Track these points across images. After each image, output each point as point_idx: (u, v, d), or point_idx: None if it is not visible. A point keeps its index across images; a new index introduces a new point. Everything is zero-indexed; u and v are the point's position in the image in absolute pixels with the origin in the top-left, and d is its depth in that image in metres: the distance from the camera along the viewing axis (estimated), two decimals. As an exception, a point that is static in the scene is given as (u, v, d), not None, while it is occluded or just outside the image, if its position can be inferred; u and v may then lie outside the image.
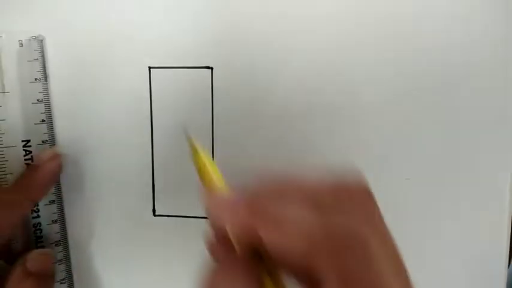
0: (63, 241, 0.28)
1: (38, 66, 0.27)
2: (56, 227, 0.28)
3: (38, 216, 0.27)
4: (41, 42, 0.27)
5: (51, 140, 0.27)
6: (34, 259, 0.26)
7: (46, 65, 0.27)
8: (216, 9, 0.26)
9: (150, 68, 0.27)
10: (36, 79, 0.27)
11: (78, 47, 0.27)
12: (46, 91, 0.27)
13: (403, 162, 0.26)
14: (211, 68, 0.27)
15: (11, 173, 0.27)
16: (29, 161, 0.27)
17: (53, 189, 0.28)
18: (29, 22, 0.27)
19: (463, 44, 0.25)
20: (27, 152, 0.27)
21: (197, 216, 0.28)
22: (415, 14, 0.25)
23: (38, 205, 0.27)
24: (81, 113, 0.28)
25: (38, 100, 0.27)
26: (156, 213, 0.28)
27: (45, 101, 0.27)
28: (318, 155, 0.27)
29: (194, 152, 0.23)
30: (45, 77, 0.27)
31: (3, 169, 0.26)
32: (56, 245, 0.28)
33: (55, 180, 0.27)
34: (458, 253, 0.27)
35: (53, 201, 0.28)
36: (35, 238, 0.27)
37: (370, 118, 0.26)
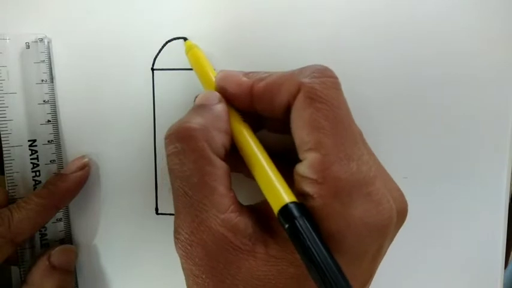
0: (68, 239, 0.29)
1: (44, 67, 0.28)
2: (61, 225, 0.28)
3: (43, 215, 0.28)
4: (47, 44, 0.28)
5: (57, 140, 0.28)
6: (58, 254, 0.27)
7: (52, 67, 0.28)
8: (217, 11, 0.27)
9: (153, 69, 0.27)
10: (42, 80, 0.28)
11: (83, 49, 0.28)
12: (52, 92, 0.28)
13: (400, 161, 0.26)
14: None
15: (17, 172, 0.27)
16: (35, 160, 0.27)
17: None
18: (36, 24, 0.28)
19: (463, 44, 0.25)
20: (33, 152, 0.27)
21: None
22: (416, 14, 0.25)
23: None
24: (86, 114, 0.28)
25: (44, 101, 0.28)
26: (159, 212, 0.28)
27: (51, 102, 0.28)
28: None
29: (189, 50, 0.25)
30: (51, 78, 0.28)
31: (9, 168, 0.27)
32: (60, 243, 0.28)
33: (80, 189, 0.28)
34: (455, 253, 0.27)
35: (57, 200, 0.28)
36: (39, 236, 0.28)
37: (368, 117, 0.26)
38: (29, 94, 0.27)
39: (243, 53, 0.27)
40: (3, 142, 0.27)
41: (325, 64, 0.26)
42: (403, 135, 0.26)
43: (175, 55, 0.27)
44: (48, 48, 0.28)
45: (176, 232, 0.19)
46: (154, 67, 0.27)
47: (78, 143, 0.28)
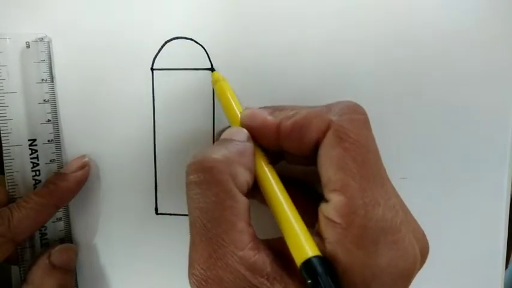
0: (68, 238, 0.29)
1: (44, 67, 0.28)
2: (60, 224, 0.28)
3: (43, 214, 0.28)
4: (47, 43, 0.28)
5: (57, 140, 0.28)
6: (58, 253, 0.27)
7: (52, 66, 0.28)
8: (217, 11, 0.26)
9: (152, 69, 0.27)
10: (42, 80, 0.28)
11: (83, 48, 0.28)
12: (52, 92, 0.28)
13: (399, 162, 0.26)
14: (213, 70, 0.27)
15: (17, 171, 0.27)
16: (35, 160, 0.27)
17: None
18: (35, 24, 0.28)
19: (463, 44, 0.25)
20: (33, 151, 0.27)
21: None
22: (416, 15, 0.25)
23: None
24: (86, 113, 0.28)
25: (44, 100, 0.28)
26: (159, 212, 0.28)
27: (51, 102, 0.28)
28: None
29: (216, 82, 0.26)
30: (52, 78, 0.28)
31: (9, 167, 0.27)
32: (60, 243, 0.28)
33: (80, 189, 0.28)
34: (455, 254, 0.27)
35: (57, 200, 0.28)
36: (39, 235, 0.28)
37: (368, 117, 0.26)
38: (29, 93, 0.27)
39: (243, 51, 0.27)
40: (3, 141, 0.27)
41: (326, 66, 0.26)
42: (402, 135, 0.26)
43: (175, 55, 0.27)
44: (49, 47, 0.28)
45: (191, 267, 0.19)
46: (154, 67, 0.27)
47: (78, 143, 0.28)
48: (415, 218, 0.25)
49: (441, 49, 0.25)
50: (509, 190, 0.26)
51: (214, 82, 0.26)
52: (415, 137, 0.26)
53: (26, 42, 0.27)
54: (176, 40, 0.27)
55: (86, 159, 0.28)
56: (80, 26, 0.28)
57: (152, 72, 0.27)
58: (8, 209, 0.25)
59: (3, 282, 0.29)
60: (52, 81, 0.28)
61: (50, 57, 0.28)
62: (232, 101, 0.24)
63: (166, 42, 0.27)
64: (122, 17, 0.27)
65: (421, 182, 0.26)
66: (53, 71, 0.28)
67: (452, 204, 0.26)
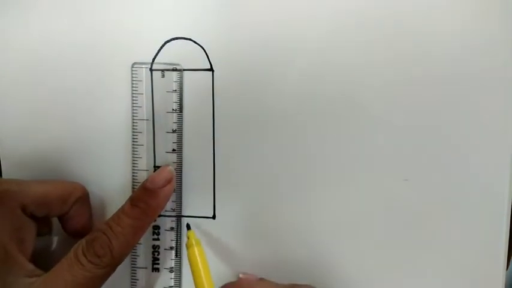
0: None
1: (175, 97, 0.28)
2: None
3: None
4: (180, 73, 0.27)
5: (179, 168, 0.28)
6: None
7: (182, 96, 0.28)
8: (217, 11, 0.27)
9: (151, 70, 0.27)
10: (173, 110, 0.28)
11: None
12: (180, 122, 0.28)
13: (401, 163, 0.27)
14: (212, 70, 0.27)
15: (141, 196, 0.29)
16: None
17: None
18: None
19: (463, 45, 0.25)
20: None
21: (195, 216, 0.28)
22: (416, 15, 0.26)
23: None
24: (85, 114, 0.28)
25: (172, 130, 0.28)
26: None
27: (178, 132, 0.28)
28: (318, 156, 0.27)
29: (191, 245, 0.26)
30: (181, 108, 0.28)
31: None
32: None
33: (167, 201, 0.27)
34: (456, 255, 0.27)
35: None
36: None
37: (369, 119, 0.27)
38: (159, 122, 0.28)
39: (243, 52, 0.27)
40: (133, 165, 0.28)
41: (326, 67, 0.26)
42: (403, 137, 0.27)
43: (174, 56, 0.27)
44: (181, 77, 0.27)
45: None
46: (153, 68, 0.27)
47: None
48: (416, 218, 0.27)
49: (442, 50, 0.25)
50: (510, 191, 0.26)
51: (188, 246, 0.26)
52: (417, 138, 0.26)
53: (162, 71, 0.27)
54: (175, 40, 0.27)
55: (171, 168, 0.27)
56: (77, 26, 0.28)
57: (151, 73, 0.27)
58: (105, 236, 0.25)
59: None
60: (181, 112, 0.28)
61: (181, 88, 0.27)
62: (203, 272, 0.25)
63: (165, 43, 0.27)
64: (120, 18, 0.27)
65: (422, 184, 0.27)
66: (182, 102, 0.28)
67: (453, 205, 0.27)
